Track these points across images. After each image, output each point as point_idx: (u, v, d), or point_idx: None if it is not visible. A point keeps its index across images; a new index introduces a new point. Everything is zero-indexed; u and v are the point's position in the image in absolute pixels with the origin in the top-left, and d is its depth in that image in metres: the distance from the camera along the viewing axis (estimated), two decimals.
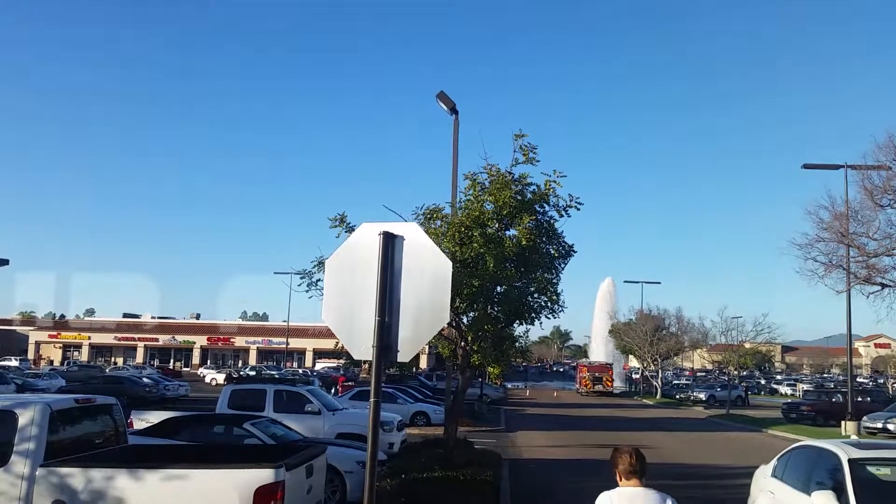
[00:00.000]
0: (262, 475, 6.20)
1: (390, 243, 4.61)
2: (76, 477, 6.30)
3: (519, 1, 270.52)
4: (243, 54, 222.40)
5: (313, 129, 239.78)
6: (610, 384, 60.07)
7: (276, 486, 6.18)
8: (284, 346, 71.43)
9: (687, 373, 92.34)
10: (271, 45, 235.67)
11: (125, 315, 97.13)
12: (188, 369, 78.16)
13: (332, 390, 34.62)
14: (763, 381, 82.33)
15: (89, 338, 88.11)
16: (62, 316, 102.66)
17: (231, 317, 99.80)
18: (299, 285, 12.28)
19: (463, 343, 12.75)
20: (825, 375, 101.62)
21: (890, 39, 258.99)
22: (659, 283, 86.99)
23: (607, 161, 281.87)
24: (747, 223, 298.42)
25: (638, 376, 67.09)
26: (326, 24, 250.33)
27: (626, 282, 64.94)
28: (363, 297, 4.61)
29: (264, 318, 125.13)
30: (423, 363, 74.38)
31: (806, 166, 27.45)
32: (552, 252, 12.86)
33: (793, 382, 75.40)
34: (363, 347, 4.60)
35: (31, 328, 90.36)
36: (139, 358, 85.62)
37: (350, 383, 36.70)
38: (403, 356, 4.56)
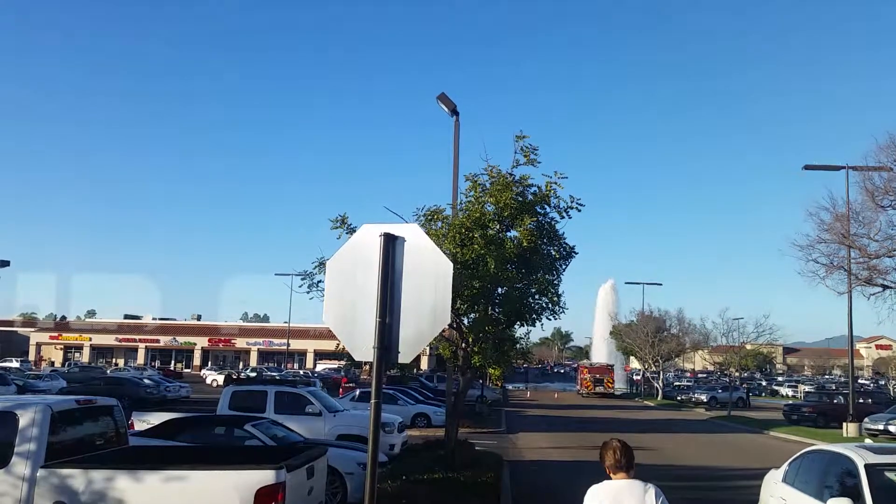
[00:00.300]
0: (263, 476, 6.19)
1: (391, 244, 4.61)
2: (77, 478, 6.30)
3: (520, 1, 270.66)
4: (244, 54, 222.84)
5: (314, 130, 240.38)
6: (611, 385, 60.01)
7: (277, 488, 6.18)
8: (285, 347, 71.45)
9: (688, 374, 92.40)
10: (272, 45, 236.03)
11: (126, 316, 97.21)
12: (189, 370, 78.19)
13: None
14: (764, 383, 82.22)
15: (90, 339, 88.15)
16: (63, 317, 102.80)
17: (232, 318, 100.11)
18: (300, 286, 12.27)
19: (464, 344, 12.74)
20: (826, 377, 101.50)
21: (891, 39, 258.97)
22: (660, 284, 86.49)
23: (608, 162, 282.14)
24: (749, 225, 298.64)
25: (639, 378, 67.02)
26: (327, 24, 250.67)
27: (627, 283, 64.96)
28: (364, 299, 4.61)
29: (265, 319, 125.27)
30: (424, 364, 74.36)
31: (807, 167, 27.43)
32: (553, 253, 12.85)
33: (794, 384, 75.30)
34: (364, 349, 4.60)
35: (32, 329, 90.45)
36: (140, 359, 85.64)
37: (351, 385, 36.70)
38: (404, 357, 4.56)
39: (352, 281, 4.70)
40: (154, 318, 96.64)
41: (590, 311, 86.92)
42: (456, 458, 12.94)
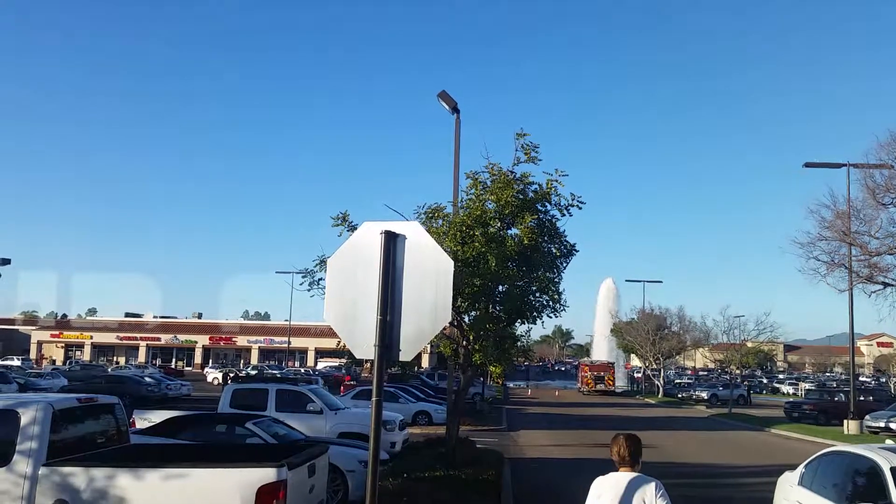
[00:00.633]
0: (265, 474, 6.19)
1: (392, 242, 4.60)
2: (78, 476, 6.30)
3: (520, 1, 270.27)
4: (245, 54, 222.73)
5: (315, 130, 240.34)
6: (612, 383, 60.03)
7: (279, 486, 6.18)
8: (286, 345, 71.46)
9: (689, 372, 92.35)
10: (273, 45, 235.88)
11: (127, 314, 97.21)
12: (190, 369, 78.25)
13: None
14: (765, 381, 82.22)
15: (91, 337, 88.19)
16: (64, 315, 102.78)
17: (233, 316, 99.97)
18: (301, 284, 12.28)
19: (465, 342, 12.74)
20: (827, 374, 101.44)
21: (892, 39, 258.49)
22: (661, 282, 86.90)
23: (609, 160, 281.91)
24: (749, 222, 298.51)
25: (640, 375, 67.04)
26: (327, 24, 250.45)
27: (627, 281, 65.08)
28: (365, 296, 4.61)
29: (266, 317, 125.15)
30: (425, 362, 74.37)
31: (808, 165, 27.39)
32: (554, 251, 12.84)
33: (795, 381, 75.27)
34: (365, 346, 4.60)
35: (34, 328, 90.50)
36: (141, 357, 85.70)
37: (352, 383, 36.70)
38: (405, 355, 4.56)
39: (353, 279, 4.69)
40: (155, 317, 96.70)
41: (591, 309, 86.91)
42: (457, 456, 12.95)
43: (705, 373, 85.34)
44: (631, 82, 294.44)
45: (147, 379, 38.31)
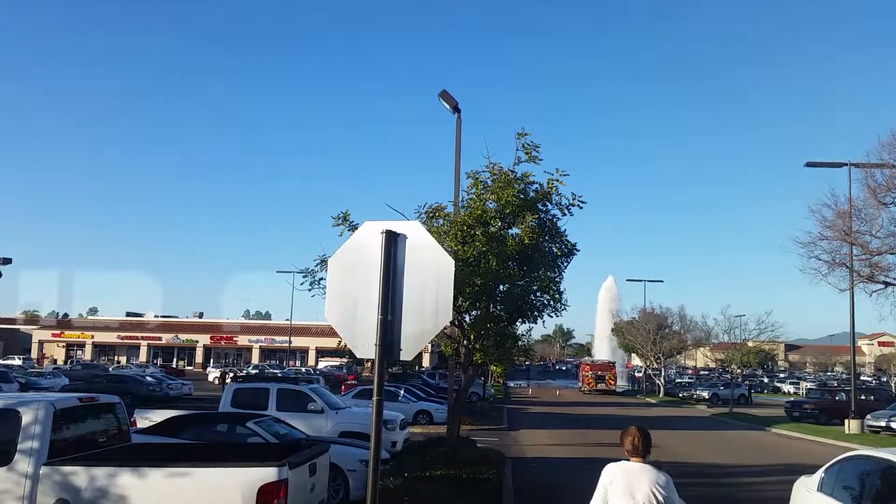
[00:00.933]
0: (266, 473, 6.20)
1: (393, 242, 4.61)
2: (79, 475, 6.31)
3: (521, 1, 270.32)
4: (246, 53, 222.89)
5: (316, 128, 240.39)
6: (613, 383, 59.99)
7: (280, 485, 6.19)
8: (287, 344, 71.51)
9: (690, 371, 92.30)
10: (273, 44, 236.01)
11: (128, 314, 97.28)
12: (191, 368, 78.29)
13: None
14: (766, 380, 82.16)
15: (92, 337, 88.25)
16: (65, 315, 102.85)
17: (234, 315, 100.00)
18: (302, 284, 12.27)
19: (465, 341, 12.74)
20: (828, 374, 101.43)
21: (894, 37, 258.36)
22: (661, 281, 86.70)
23: (609, 159, 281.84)
24: (750, 221, 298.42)
25: (641, 375, 67.03)
26: (328, 23, 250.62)
27: (628, 280, 64.96)
28: (366, 296, 4.61)
29: (267, 316, 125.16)
30: (426, 362, 74.36)
31: (809, 164, 27.37)
32: (555, 250, 12.85)
33: (796, 381, 75.30)
34: (366, 346, 4.60)
35: (35, 327, 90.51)
36: (142, 357, 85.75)
37: (352, 383, 36.72)
38: (406, 355, 4.56)
39: (353, 278, 4.70)
40: (156, 316, 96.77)
41: (591, 309, 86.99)
42: (458, 455, 12.96)
43: (706, 372, 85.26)
44: (632, 81, 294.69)
45: (148, 378, 38.32)
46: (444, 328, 12.24)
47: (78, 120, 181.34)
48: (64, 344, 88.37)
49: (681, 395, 53.34)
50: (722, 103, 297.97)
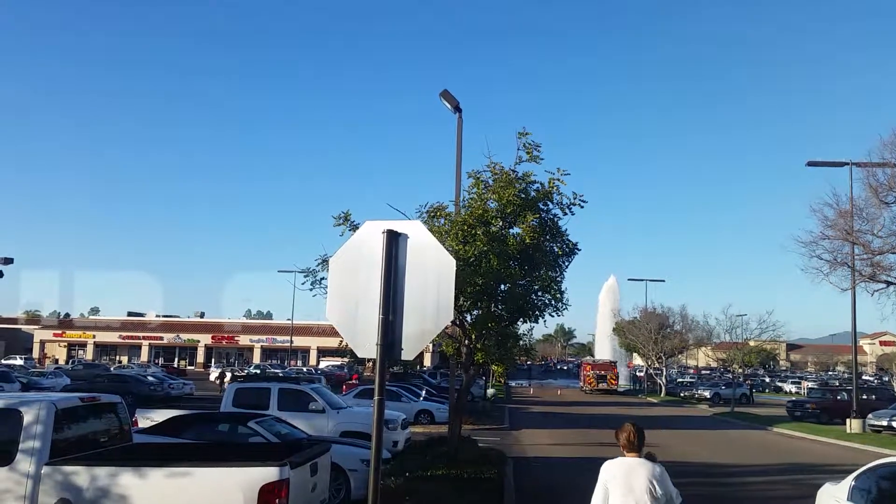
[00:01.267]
0: (267, 473, 6.20)
1: (394, 241, 4.60)
2: (81, 475, 6.31)
3: (521, 1, 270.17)
4: (246, 53, 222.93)
5: (316, 128, 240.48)
6: (614, 382, 59.94)
7: (281, 484, 6.18)
8: (288, 344, 71.52)
9: (691, 371, 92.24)
10: (273, 44, 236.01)
11: (129, 314, 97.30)
12: (192, 368, 78.30)
13: None
14: (768, 379, 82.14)
15: (94, 336, 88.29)
16: (67, 315, 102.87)
17: (235, 315, 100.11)
18: (303, 283, 12.25)
19: (467, 341, 12.73)
20: (830, 373, 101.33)
21: (894, 38, 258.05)
22: (663, 280, 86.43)
23: (610, 159, 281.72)
24: (752, 221, 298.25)
25: (642, 374, 66.98)
26: (328, 23, 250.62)
27: (630, 279, 64.98)
28: (367, 295, 4.61)
29: (268, 316, 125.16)
30: (427, 361, 74.30)
31: (810, 163, 27.35)
32: (556, 250, 12.84)
33: (797, 380, 75.18)
34: (367, 346, 4.60)
35: (36, 327, 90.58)
36: (143, 356, 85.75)
37: (353, 382, 36.71)
38: (407, 354, 4.56)
39: (355, 278, 4.69)
40: (157, 316, 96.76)
41: (593, 308, 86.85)
42: (459, 455, 12.95)
43: (708, 372, 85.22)
44: (632, 81, 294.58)
45: (150, 378, 38.33)
46: (446, 328, 12.25)
47: (78, 120, 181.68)
48: (65, 344, 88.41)
49: (682, 394, 53.27)
50: (722, 103, 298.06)
